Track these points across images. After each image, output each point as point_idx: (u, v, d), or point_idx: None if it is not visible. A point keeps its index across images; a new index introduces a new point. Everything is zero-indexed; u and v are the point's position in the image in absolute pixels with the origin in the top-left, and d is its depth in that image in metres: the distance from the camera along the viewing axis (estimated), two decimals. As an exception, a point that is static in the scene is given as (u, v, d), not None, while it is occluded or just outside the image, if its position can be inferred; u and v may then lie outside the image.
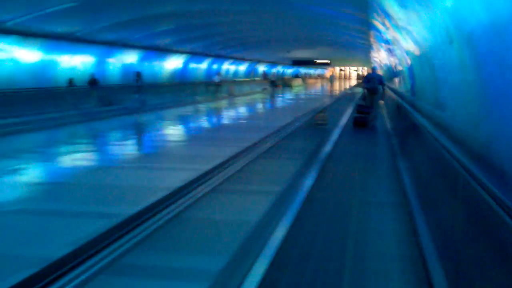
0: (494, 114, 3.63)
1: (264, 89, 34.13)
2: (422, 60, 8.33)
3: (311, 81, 62.13)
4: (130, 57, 21.41)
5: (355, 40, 23.23)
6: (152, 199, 4.21)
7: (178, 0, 14.44)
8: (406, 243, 3.66)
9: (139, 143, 10.80)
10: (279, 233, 3.66)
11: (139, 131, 13.24)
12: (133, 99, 18.21)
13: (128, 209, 3.99)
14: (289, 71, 55.20)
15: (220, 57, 30.55)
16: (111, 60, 20.06)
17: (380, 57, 23.59)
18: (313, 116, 12.18)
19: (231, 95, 27.36)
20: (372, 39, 18.47)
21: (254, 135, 9.43)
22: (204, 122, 15.57)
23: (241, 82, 34.37)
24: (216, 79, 26.64)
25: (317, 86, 49.30)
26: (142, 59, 22.37)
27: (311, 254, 3.43)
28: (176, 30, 19.25)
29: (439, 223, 3.68)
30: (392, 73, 19.67)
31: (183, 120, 15.98)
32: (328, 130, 10.76)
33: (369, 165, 7.09)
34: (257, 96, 29.02)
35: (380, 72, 23.44)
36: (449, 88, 5.70)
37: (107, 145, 10.53)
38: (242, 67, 37.13)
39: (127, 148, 9.70)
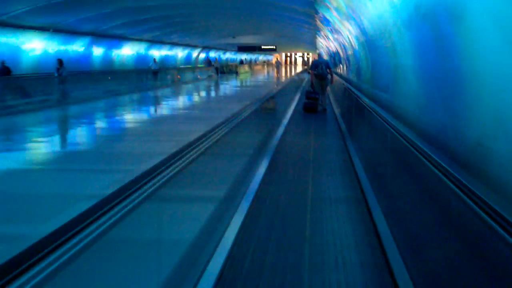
0: (435, 99, 4.12)
1: (209, 76, 34.11)
2: (367, 45, 8.89)
3: (257, 67, 62.63)
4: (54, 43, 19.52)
5: (301, 25, 23.77)
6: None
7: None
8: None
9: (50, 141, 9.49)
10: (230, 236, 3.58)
11: (45, 127, 11.61)
12: (55, 90, 16.66)
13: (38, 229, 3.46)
14: (235, 57, 55.36)
15: (159, 42, 29.44)
16: (30, 46, 18.26)
17: (327, 43, 24.36)
18: (261, 105, 12.29)
19: (174, 83, 26.86)
20: (318, 24, 19.05)
21: (197, 127, 8.70)
22: (138, 114, 14.36)
23: (185, 69, 33.81)
24: (153, 66, 25.38)
25: (263, 73, 49.87)
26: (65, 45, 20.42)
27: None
28: (111, 13, 18.30)
29: (376, 175, 4.20)
30: (338, 58, 20.44)
31: (112, 112, 14.72)
32: (278, 118, 10.96)
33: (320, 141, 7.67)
34: (202, 83, 28.75)
35: (326, 57, 24.22)
36: (390, 71, 6.24)
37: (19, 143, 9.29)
38: (181, 53, 36.32)
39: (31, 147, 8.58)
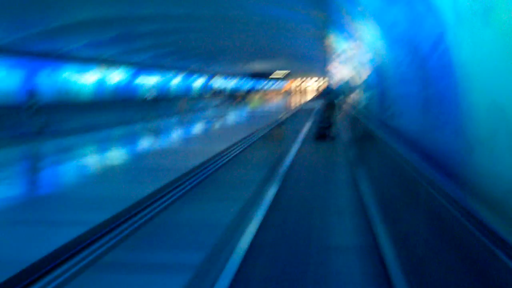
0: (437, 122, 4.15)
1: (217, 105, 34.29)
2: (378, 73, 8.98)
3: (269, 95, 63.34)
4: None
5: (313, 52, 24.10)
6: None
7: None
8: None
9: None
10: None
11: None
12: (29, 123, 14.91)
13: None
14: (245, 85, 55.99)
15: (168, 69, 28.93)
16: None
17: (338, 70, 24.64)
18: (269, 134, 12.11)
19: (180, 112, 26.02)
20: (330, 51, 19.32)
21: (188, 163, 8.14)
22: (125, 149, 13.20)
23: (193, 99, 33.59)
24: (150, 95, 23.74)
25: (274, 101, 50.24)
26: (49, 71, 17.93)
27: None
28: (117, 39, 17.27)
29: (381, 191, 4.17)
30: (349, 87, 20.61)
31: (96, 148, 13.10)
32: (287, 144, 11.01)
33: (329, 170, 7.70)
34: (210, 113, 28.05)
35: (335, 87, 24.51)
36: (401, 98, 6.29)
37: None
38: (196, 82, 36.29)
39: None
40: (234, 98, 41.74)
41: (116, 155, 11.88)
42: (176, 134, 16.98)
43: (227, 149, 9.72)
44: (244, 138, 11.80)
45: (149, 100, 23.69)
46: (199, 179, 6.86)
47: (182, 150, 12.12)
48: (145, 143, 14.65)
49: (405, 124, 6.00)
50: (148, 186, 6.08)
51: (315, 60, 29.31)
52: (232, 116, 26.07)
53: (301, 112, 25.11)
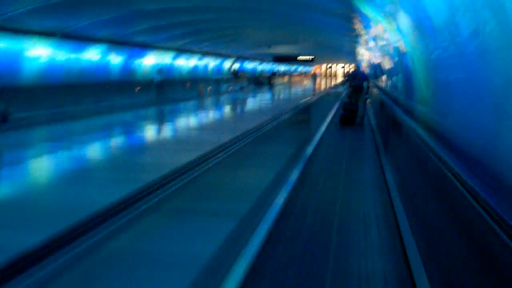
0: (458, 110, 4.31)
1: (241, 88, 34.49)
2: (408, 58, 9.04)
3: (295, 79, 63.17)
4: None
5: (341, 36, 24.00)
6: None
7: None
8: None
9: None
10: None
11: None
12: None
13: None
14: (272, 68, 55.93)
15: (186, 51, 28.84)
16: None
17: (367, 54, 24.49)
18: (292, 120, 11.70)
19: (200, 96, 26.39)
20: (359, 34, 19.24)
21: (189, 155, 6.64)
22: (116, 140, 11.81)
23: (214, 81, 34.01)
24: (157, 77, 21.92)
25: (301, 85, 50.09)
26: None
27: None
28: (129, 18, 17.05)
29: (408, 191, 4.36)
30: (379, 70, 20.51)
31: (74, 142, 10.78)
32: (311, 132, 10.91)
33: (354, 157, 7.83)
34: (230, 97, 27.73)
35: (365, 69, 24.33)
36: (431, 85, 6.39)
37: None
38: (213, 63, 36.64)
39: None
40: (259, 81, 41.90)
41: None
42: (186, 120, 16.37)
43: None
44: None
45: (157, 82, 21.85)
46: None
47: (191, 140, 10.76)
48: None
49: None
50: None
51: (344, 43, 29.10)
52: (256, 99, 26.36)
53: (328, 96, 25.17)
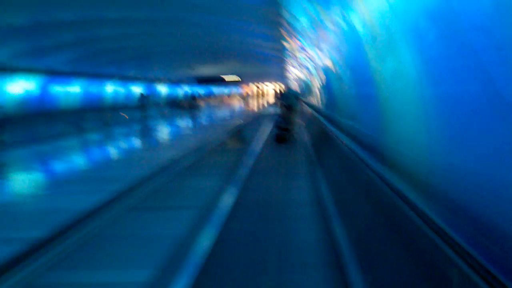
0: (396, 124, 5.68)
1: (162, 113, 33.56)
2: (336, 76, 10.58)
3: (226, 100, 65.04)
4: None
5: (269, 56, 25.56)
6: None
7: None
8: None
9: None
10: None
11: None
12: None
13: None
14: (194, 91, 56.87)
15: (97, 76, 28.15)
16: None
17: (296, 73, 26.37)
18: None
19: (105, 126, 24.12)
20: (287, 54, 20.87)
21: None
22: None
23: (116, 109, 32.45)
24: None
25: (232, 106, 51.25)
26: None
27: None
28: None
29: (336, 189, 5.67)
30: (307, 89, 22.34)
31: None
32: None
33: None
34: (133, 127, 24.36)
35: (295, 89, 26.19)
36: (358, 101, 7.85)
37: None
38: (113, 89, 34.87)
39: None
40: (179, 105, 41.82)
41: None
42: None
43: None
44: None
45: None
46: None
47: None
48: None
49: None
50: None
51: (271, 64, 30.59)
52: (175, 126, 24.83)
53: (260, 118, 26.25)
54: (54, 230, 5.59)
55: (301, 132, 16.08)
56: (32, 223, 6.19)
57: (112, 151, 15.02)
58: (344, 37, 7.34)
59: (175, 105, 42.09)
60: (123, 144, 16.85)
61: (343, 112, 9.62)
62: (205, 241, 5.15)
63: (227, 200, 6.93)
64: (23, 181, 9.88)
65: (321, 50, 11.13)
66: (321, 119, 12.38)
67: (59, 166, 12.10)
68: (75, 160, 13.14)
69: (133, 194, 7.64)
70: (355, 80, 7.55)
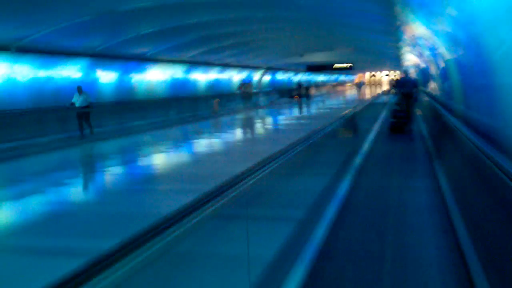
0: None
1: (271, 102, 34.38)
2: (455, 63, 10.12)
3: (337, 88, 64.42)
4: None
5: (383, 42, 24.92)
6: None
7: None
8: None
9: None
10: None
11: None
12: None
13: None
14: (309, 78, 56.76)
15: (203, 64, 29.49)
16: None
17: (413, 59, 25.43)
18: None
19: (213, 114, 26.26)
20: (404, 41, 20.21)
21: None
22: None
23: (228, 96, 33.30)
24: (77, 101, 17.05)
25: (343, 94, 50.79)
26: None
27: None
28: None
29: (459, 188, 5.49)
30: (426, 76, 21.44)
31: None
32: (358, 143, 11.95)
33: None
34: (253, 113, 27.96)
35: (413, 75, 25.25)
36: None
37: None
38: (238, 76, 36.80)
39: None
40: (291, 92, 42.42)
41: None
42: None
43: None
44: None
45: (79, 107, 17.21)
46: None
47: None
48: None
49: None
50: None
51: (387, 52, 29.82)
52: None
53: (373, 107, 25.90)
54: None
55: (418, 122, 15.55)
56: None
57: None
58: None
59: (286, 94, 42.68)
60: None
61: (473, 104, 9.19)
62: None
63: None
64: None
65: (439, 36, 10.68)
66: (442, 110, 11.85)
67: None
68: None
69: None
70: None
